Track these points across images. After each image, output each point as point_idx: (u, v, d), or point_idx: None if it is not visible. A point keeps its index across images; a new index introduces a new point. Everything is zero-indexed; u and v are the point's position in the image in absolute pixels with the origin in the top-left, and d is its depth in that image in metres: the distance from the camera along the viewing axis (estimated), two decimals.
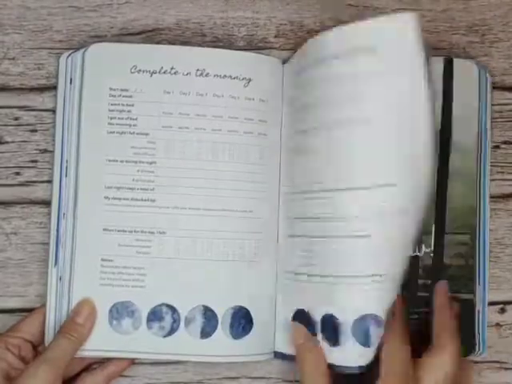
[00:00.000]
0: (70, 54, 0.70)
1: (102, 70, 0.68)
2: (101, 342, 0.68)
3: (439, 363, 0.64)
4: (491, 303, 0.73)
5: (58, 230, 0.69)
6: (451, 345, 0.65)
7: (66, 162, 0.69)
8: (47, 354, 0.64)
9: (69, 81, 0.70)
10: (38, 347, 0.69)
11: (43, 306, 0.69)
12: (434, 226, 0.71)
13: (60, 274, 0.68)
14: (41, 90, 0.72)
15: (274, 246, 0.70)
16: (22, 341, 0.67)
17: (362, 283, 0.64)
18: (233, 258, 0.69)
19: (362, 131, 0.64)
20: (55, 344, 0.66)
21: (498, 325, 0.73)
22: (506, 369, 0.74)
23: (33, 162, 0.72)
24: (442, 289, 0.70)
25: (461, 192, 0.71)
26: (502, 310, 0.74)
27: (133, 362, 0.71)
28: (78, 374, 0.69)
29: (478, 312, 0.71)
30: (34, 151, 0.72)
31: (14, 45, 0.72)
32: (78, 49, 0.70)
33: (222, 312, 0.68)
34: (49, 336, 0.68)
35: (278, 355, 0.70)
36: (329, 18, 0.74)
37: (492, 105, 0.73)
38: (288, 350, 0.69)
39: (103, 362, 0.70)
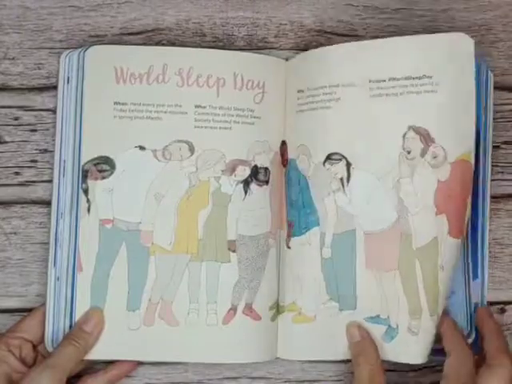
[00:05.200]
0: (68, 54, 0.70)
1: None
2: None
3: (499, 378, 0.64)
4: (491, 303, 0.73)
5: (57, 230, 0.69)
6: (509, 365, 0.65)
7: (64, 161, 0.69)
8: (51, 360, 0.64)
9: (66, 80, 0.70)
10: (37, 346, 0.69)
11: (43, 305, 0.69)
12: None
13: (58, 274, 0.68)
14: (41, 89, 0.72)
15: None
16: (22, 341, 0.67)
17: None
18: None
19: None
20: (60, 350, 0.65)
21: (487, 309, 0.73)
22: None
23: (33, 161, 0.72)
24: (486, 313, 0.70)
25: None
26: (502, 310, 0.74)
27: (136, 365, 0.71)
28: (80, 376, 0.69)
29: (476, 305, 0.71)
30: (34, 151, 0.72)
31: (13, 45, 0.72)
32: (76, 48, 0.70)
33: None
34: (49, 337, 0.68)
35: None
36: (329, 17, 0.74)
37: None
38: None
39: (105, 363, 0.70)
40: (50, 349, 0.68)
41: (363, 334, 0.68)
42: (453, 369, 0.65)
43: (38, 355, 0.69)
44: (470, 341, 0.69)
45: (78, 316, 0.68)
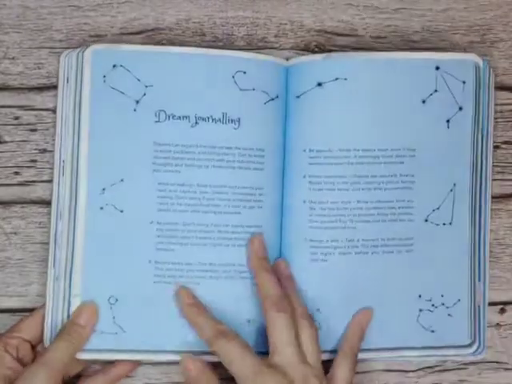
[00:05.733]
0: (67, 54, 0.70)
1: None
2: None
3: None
4: (491, 303, 0.73)
5: (56, 230, 0.69)
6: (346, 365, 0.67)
7: (63, 161, 0.69)
8: (46, 356, 0.64)
9: (66, 80, 0.70)
10: (36, 347, 0.69)
11: (42, 306, 0.69)
12: None
13: (56, 275, 0.68)
14: (41, 89, 0.72)
15: None
16: (20, 341, 0.67)
17: None
18: None
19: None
20: (54, 346, 0.65)
21: (497, 325, 0.74)
22: (506, 369, 0.74)
23: (32, 161, 0.72)
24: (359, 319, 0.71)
25: None
26: (502, 311, 0.74)
27: (137, 365, 0.71)
28: (79, 376, 0.69)
29: (479, 307, 0.71)
30: (34, 151, 0.72)
31: (13, 44, 0.72)
32: (76, 48, 0.70)
33: None
34: (47, 336, 0.68)
35: None
36: (329, 17, 0.74)
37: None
38: None
39: (105, 363, 0.70)
40: None
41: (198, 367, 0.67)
42: None
43: (36, 355, 0.68)
44: (473, 349, 0.70)
45: None
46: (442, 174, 0.70)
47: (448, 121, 0.70)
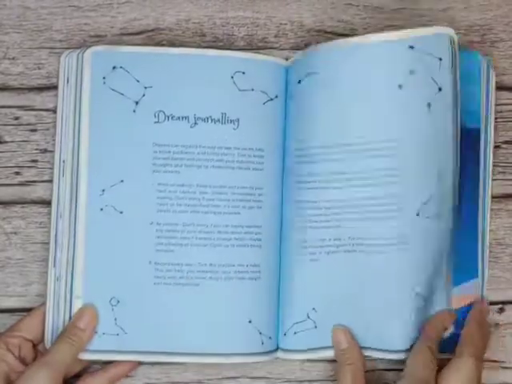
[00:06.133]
0: (67, 54, 0.70)
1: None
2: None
3: (459, 376, 0.65)
4: (490, 303, 0.73)
5: (57, 230, 0.69)
6: (468, 361, 0.65)
7: (63, 161, 0.69)
8: (47, 358, 0.65)
9: (66, 80, 0.70)
10: (37, 346, 0.69)
11: (43, 304, 0.69)
12: None
13: (57, 275, 0.69)
14: (41, 89, 0.72)
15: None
16: (22, 340, 0.67)
17: None
18: None
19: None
20: (55, 348, 0.66)
21: (496, 324, 0.74)
22: (505, 368, 0.74)
23: (33, 161, 0.72)
24: (480, 305, 0.71)
25: None
26: (501, 310, 0.74)
27: (136, 365, 0.71)
28: (79, 375, 0.69)
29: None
30: (34, 151, 0.72)
31: (13, 44, 0.72)
32: (76, 48, 0.70)
33: None
34: (48, 335, 0.68)
35: None
36: (329, 17, 0.74)
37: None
38: None
39: (105, 362, 0.70)
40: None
41: (350, 341, 0.68)
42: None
43: (37, 355, 0.69)
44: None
45: None
46: (427, 164, 0.67)
47: (429, 104, 0.67)
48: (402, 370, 0.71)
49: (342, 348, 0.68)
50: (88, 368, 0.70)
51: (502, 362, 0.73)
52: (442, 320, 0.69)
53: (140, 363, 0.71)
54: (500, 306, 0.74)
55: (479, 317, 0.70)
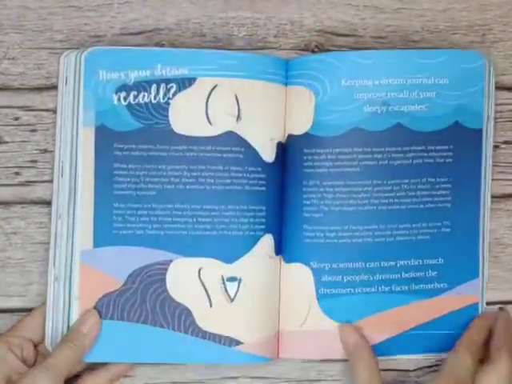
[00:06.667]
0: (67, 54, 0.70)
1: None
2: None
3: (494, 379, 0.65)
4: (489, 303, 0.73)
5: (56, 230, 0.69)
6: (507, 362, 0.66)
7: (62, 162, 0.69)
8: (49, 361, 0.64)
9: (65, 81, 0.70)
10: (38, 346, 0.69)
11: (43, 304, 0.69)
12: None
13: (56, 275, 0.69)
14: (41, 89, 0.72)
15: None
16: (23, 340, 0.67)
17: None
18: None
19: None
20: (57, 351, 0.66)
21: (503, 310, 0.73)
22: None
23: (33, 161, 0.72)
24: (506, 315, 0.71)
25: None
26: (501, 310, 0.74)
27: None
28: (79, 375, 0.69)
29: (476, 304, 0.72)
30: (34, 151, 0.72)
31: (13, 45, 0.72)
32: (76, 49, 0.70)
33: None
34: (48, 338, 0.68)
35: None
36: (329, 17, 0.74)
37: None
38: None
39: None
40: (49, 348, 0.68)
41: (358, 339, 0.69)
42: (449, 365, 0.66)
43: (38, 355, 0.69)
44: None
45: (74, 317, 0.68)
46: None
47: None
48: (402, 370, 0.71)
49: (353, 346, 0.69)
50: (88, 367, 0.70)
51: None
52: (486, 323, 0.70)
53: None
54: (500, 305, 0.74)
55: (506, 324, 0.70)
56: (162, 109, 0.69)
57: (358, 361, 0.68)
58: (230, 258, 0.69)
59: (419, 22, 0.75)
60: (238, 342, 0.69)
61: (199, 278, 0.69)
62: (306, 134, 0.70)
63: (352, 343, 0.69)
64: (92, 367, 0.70)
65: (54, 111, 0.71)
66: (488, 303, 0.73)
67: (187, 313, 0.69)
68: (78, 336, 0.67)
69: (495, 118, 0.73)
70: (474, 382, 0.65)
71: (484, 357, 0.68)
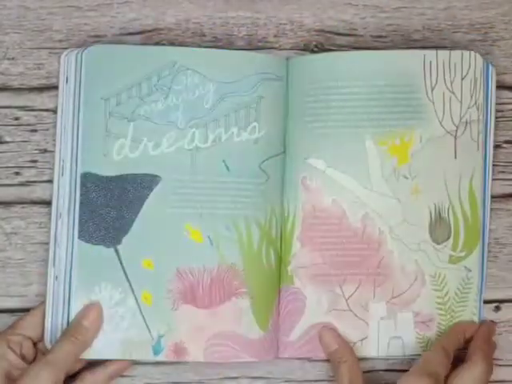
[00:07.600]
0: (67, 54, 0.70)
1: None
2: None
3: (468, 380, 0.66)
4: (486, 301, 0.73)
5: (56, 230, 0.69)
6: (482, 363, 0.67)
7: (62, 161, 0.69)
8: (50, 356, 0.64)
9: (65, 80, 0.70)
10: (37, 344, 0.69)
11: (43, 303, 0.69)
12: None
13: (56, 274, 0.69)
14: (41, 89, 0.72)
15: None
16: (23, 338, 0.68)
17: None
18: None
19: None
20: (59, 346, 0.65)
21: (492, 322, 0.73)
22: (501, 365, 0.74)
23: (33, 161, 0.72)
24: (490, 325, 0.72)
25: None
26: (497, 308, 0.74)
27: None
28: (79, 372, 0.69)
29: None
30: (34, 151, 0.72)
31: (13, 45, 0.72)
32: (76, 49, 0.70)
33: None
34: (48, 336, 0.68)
35: None
36: (329, 17, 0.74)
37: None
38: None
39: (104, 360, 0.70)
40: (48, 346, 0.68)
41: (339, 342, 0.69)
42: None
43: (37, 353, 0.69)
44: None
45: (74, 315, 0.68)
46: None
47: None
48: (401, 370, 0.71)
49: (333, 349, 0.69)
50: (88, 364, 0.70)
51: (499, 359, 0.74)
52: (464, 330, 0.71)
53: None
54: (496, 304, 0.74)
55: (487, 332, 0.71)
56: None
57: (339, 362, 0.68)
58: None
59: (420, 21, 0.74)
60: None
61: None
62: None
63: (333, 345, 0.69)
64: (91, 365, 0.70)
65: (54, 111, 0.71)
66: (485, 301, 0.73)
67: None
68: (79, 330, 0.66)
69: (496, 118, 0.73)
70: (447, 380, 0.66)
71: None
